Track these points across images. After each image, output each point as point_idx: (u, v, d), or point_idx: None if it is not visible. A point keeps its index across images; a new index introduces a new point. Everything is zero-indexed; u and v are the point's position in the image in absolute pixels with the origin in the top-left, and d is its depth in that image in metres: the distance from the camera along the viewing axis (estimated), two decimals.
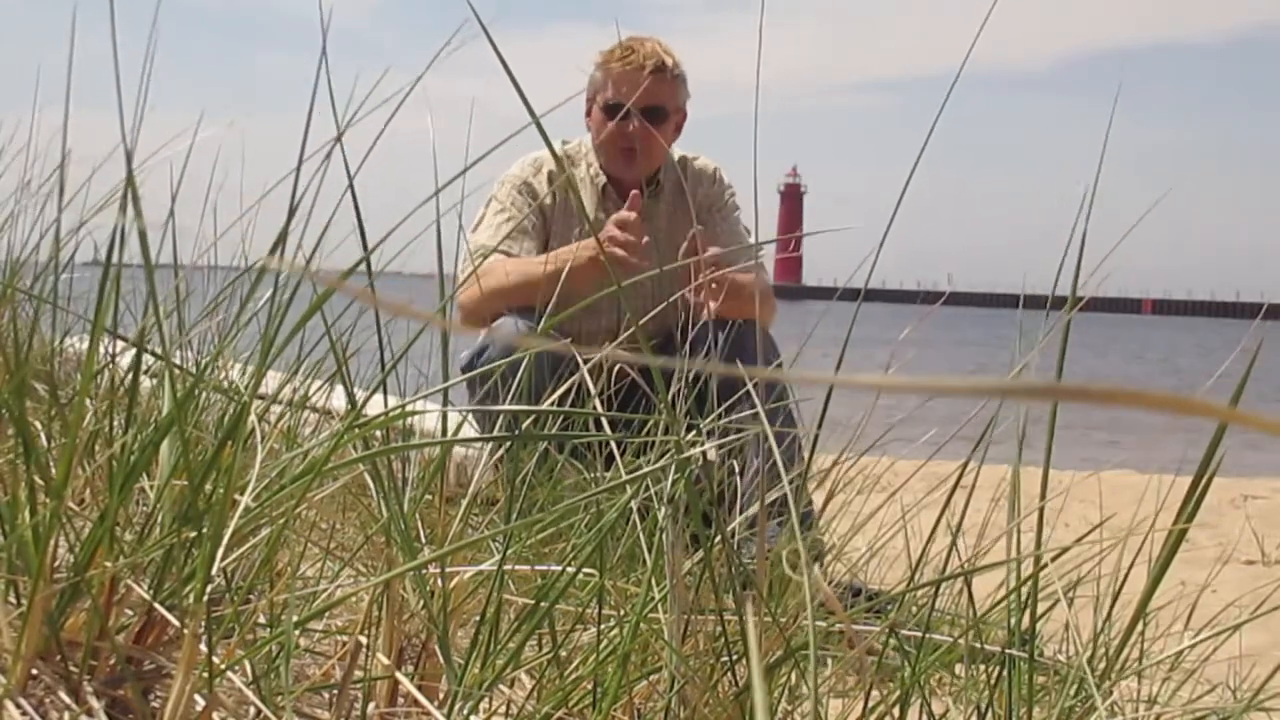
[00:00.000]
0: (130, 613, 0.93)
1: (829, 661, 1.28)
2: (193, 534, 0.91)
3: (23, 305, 1.78)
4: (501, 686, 1.10)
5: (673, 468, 1.02)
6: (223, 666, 0.88)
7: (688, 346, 2.68)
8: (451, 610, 1.08)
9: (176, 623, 0.90)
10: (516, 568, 1.19)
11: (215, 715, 0.86)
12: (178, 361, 1.20)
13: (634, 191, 2.89)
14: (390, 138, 0.99)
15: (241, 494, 0.91)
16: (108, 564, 0.88)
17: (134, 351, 1.08)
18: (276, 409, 1.42)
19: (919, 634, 1.14)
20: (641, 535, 1.10)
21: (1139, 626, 1.25)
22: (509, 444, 1.33)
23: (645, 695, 1.10)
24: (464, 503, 1.22)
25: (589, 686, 1.03)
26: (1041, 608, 1.14)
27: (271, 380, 1.19)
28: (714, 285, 2.70)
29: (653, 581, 1.02)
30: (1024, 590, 1.12)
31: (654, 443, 1.20)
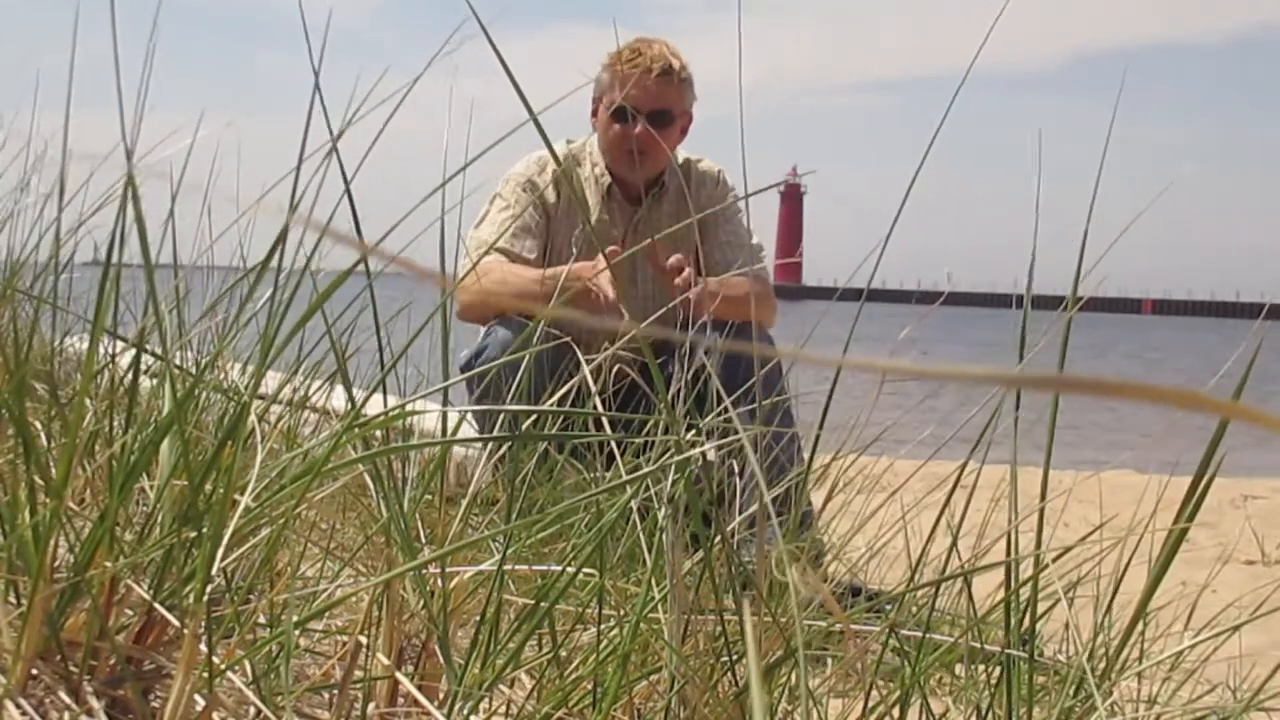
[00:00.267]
0: (130, 613, 0.93)
1: (829, 661, 1.28)
2: (193, 534, 0.91)
3: (23, 305, 1.78)
4: (501, 686, 1.10)
5: (673, 468, 1.02)
6: (223, 666, 0.88)
7: (687, 347, 2.67)
8: (451, 610, 1.08)
9: (176, 623, 0.90)
10: (516, 568, 1.19)
11: (215, 715, 0.86)
12: (178, 361, 1.20)
13: (612, 248, 2.90)
14: (390, 138, 0.99)
15: (241, 494, 0.91)
16: (108, 564, 0.88)
17: (134, 351, 1.08)
18: (276, 409, 1.42)
19: (919, 634, 1.14)
20: (641, 535, 1.10)
21: (1139, 626, 1.25)
22: (509, 444, 1.33)
23: (645, 695, 1.10)
24: (464, 503, 1.22)
25: (589, 686, 1.03)
26: (1041, 608, 1.14)
27: (271, 380, 1.19)
28: (711, 292, 2.71)
29: (653, 581, 1.02)
30: (1024, 590, 1.12)
31: (654, 443, 1.20)
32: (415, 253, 1.13)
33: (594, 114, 3.25)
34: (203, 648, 0.83)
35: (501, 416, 1.49)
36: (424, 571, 1.04)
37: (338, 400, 1.59)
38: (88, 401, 1.06)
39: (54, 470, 0.89)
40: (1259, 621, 1.25)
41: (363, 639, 1.00)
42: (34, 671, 0.86)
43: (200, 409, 1.39)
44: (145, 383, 1.43)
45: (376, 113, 0.98)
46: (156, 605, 0.89)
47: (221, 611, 0.93)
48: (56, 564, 0.90)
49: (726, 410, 1.10)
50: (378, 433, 1.16)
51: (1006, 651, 1.09)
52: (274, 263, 0.99)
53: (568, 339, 2.01)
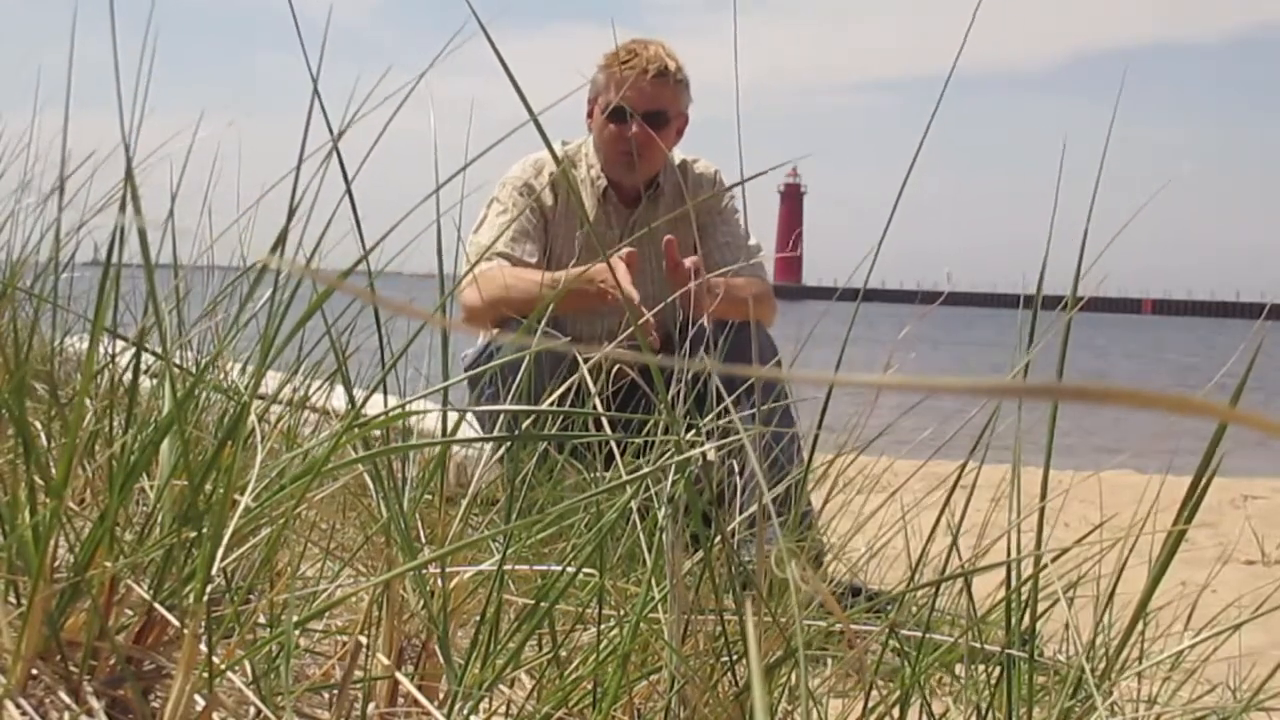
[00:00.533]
0: (130, 613, 0.93)
1: (829, 661, 1.28)
2: (193, 534, 0.91)
3: (23, 305, 1.78)
4: (501, 686, 1.10)
5: (673, 468, 1.02)
6: (223, 666, 0.88)
7: (687, 347, 2.68)
8: (451, 610, 1.08)
9: (176, 623, 0.90)
10: (516, 568, 1.19)
11: (215, 715, 0.86)
12: (178, 361, 1.20)
13: (630, 250, 2.86)
14: (390, 137, 0.99)
15: (241, 494, 0.91)
16: (108, 564, 0.88)
17: (134, 351, 1.08)
18: (276, 409, 1.42)
19: (919, 634, 1.14)
20: (641, 535, 1.10)
21: (1139, 626, 1.25)
22: (509, 444, 1.33)
23: (645, 695, 1.10)
24: (464, 503, 1.22)
25: (589, 686, 1.03)
26: (1041, 608, 1.14)
27: (271, 380, 1.19)
28: (710, 292, 2.71)
29: (653, 581, 1.02)
30: (1024, 590, 1.12)
31: (654, 443, 1.20)
32: (415, 253, 1.13)
33: (589, 115, 3.25)
34: (203, 648, 0.83)
35: (502, 416, 1.49)
36: (424, 571, 1.04)
37: (338, 400, 1.59)
38: (88, 401, 1.06)
39: (54, 470, 0.89)
40: (1259, 621, 1.25)
41: (363, 639, 1.00)
42: (34, 671, 0.86)
43: (200, 409, 1.39)
44: (145, 383, 1.43)
45: (377, 113, 0.98)
46: (156, 605, 0.89)
47: (221, 611, 0.93)
48: (56, 564, 0.90)
49: (727, 410, 1.10)
50: (377, 433, 1.16)
51: (1006, 651, 1.09)
52: (274, 263, 0.99)
53: (568, 340, 2.01)
